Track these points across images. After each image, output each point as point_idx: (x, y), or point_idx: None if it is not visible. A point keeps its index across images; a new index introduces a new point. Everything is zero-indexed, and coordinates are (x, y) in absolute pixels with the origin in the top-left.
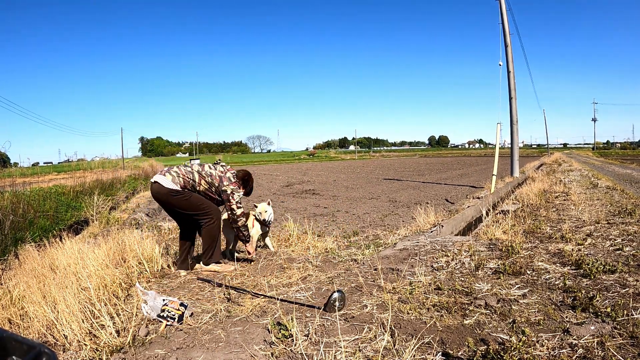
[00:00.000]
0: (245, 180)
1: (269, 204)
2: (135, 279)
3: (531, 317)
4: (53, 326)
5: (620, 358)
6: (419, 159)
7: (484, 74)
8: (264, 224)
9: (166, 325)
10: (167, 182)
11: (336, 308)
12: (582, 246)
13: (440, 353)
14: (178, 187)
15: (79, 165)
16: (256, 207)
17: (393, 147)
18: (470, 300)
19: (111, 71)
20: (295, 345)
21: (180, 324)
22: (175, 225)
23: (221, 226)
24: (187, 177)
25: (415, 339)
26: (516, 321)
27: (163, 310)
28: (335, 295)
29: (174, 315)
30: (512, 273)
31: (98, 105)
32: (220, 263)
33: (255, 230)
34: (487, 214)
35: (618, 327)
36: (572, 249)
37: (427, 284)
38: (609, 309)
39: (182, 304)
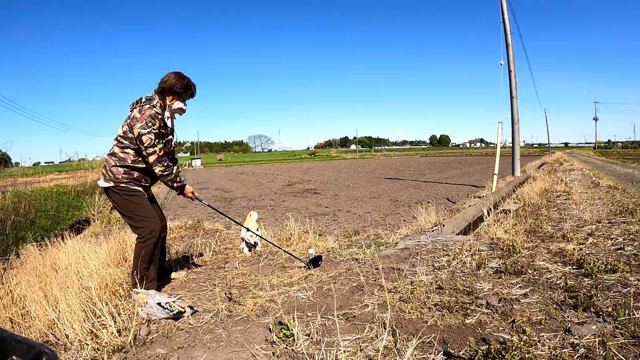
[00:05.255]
0: (168, 86)
1: (258, 229)
2: None
3: (532, 317)
4: (54, 326)
5: (622, 358)
6: (420, 158)
7: (485, 73)
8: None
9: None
10: (101, 181)
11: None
12: (584, 245)
13: (441, 352)
14: (110, 183)
15: (80, 165)
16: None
17: (394, 147)
18: (472, 299)
19: (112, 70)
20: (296, 344)
21: (176, 320)
22: (176, 224)
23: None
24: (112, 160)
25: (416, 339)
26: (517, 321)
27: (166, 303)
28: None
29: (173, 309)
30: (513, 272)
31: (99, 105)
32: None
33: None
34: (488, 213)
35: (620, 326)
36: (574, 249)
37: (428, 283)
38: (610, 309)
39: (190, 307)
